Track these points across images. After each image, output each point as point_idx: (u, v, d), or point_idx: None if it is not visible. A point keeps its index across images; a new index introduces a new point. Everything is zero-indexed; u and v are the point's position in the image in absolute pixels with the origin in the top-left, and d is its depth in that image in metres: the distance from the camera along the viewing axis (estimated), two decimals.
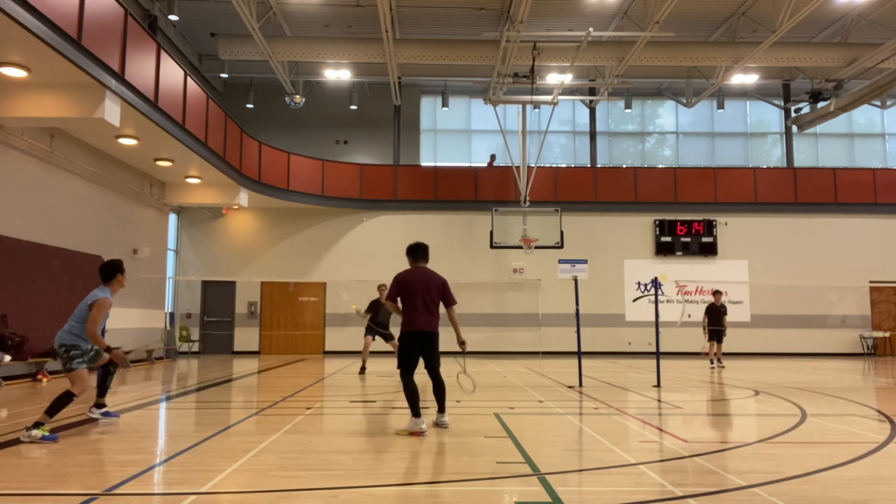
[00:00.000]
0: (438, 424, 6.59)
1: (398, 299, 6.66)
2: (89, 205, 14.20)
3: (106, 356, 6.55)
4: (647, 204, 21.46)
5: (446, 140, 24.05)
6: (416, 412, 6.31)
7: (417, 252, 6.86)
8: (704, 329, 15.29)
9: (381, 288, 12.97)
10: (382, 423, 7.13)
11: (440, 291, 6.69)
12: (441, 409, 6.69)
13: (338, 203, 20.58)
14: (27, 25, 8.25)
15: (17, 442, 5.75)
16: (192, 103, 13.96)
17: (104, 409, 6.94)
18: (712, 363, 15.18)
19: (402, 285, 6.65)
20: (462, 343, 6.76)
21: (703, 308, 16.04)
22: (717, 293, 15.60)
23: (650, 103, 24.65)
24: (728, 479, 4.51)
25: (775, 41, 17.21)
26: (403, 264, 6.90)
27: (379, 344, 12.92)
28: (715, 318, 15.20)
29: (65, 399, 5.98)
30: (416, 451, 5.48)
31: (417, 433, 6.16)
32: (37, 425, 5.81)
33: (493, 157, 22.65)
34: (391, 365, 15.07)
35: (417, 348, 6.56)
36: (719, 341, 15.13)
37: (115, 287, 6.65)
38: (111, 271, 6.61)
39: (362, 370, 12.96)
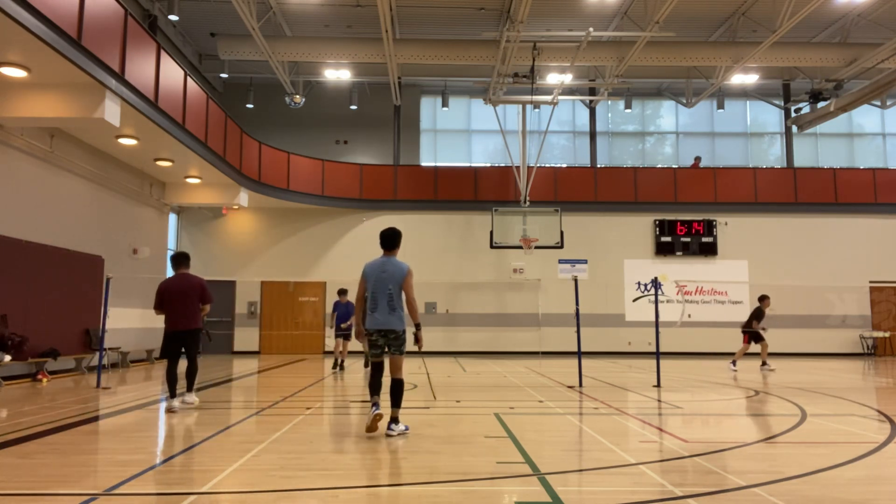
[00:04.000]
0: (185, 402, 8.02)
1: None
2: (89, 205, 14.19)
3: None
4: (647, 204, 21.45)
5: (446, 140, 24.04)
6: (173, 394, 7.86)
7: (177, 261, 8.21)
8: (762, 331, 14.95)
9: (341, 293, 14.58)
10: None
11: (199, 294, 8.04)
12: (190, 389, 8.21)
13: (338, 203, 20.57)
14: (27, 25, 8.24)
15: (16, 442, 5.75)
16: (192, 103, 13.95)
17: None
18: (734, 365, 14.92)
19: (163, 294, 7.95)
20: (207, 333, 8.64)
21: (702, 308, 16.01)
22: (765, 298, 15.10)
23: (650, 103, 24.63)
24: (728, 479, 4.51)
25: (775, 41, 17.20)
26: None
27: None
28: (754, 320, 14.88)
29: (399, 388, 6.30)
30: (417, 451, 5.48)
31: (169, 409, 7.67)
32: (395, 421, 6.18)
33: (698, 159, 22.55)
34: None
35: (179, 343, 8.03)
36: (757, 341, 14.86)
37: None
38: (397, 239, 6.85)
39: (341, 366, 14.20)
